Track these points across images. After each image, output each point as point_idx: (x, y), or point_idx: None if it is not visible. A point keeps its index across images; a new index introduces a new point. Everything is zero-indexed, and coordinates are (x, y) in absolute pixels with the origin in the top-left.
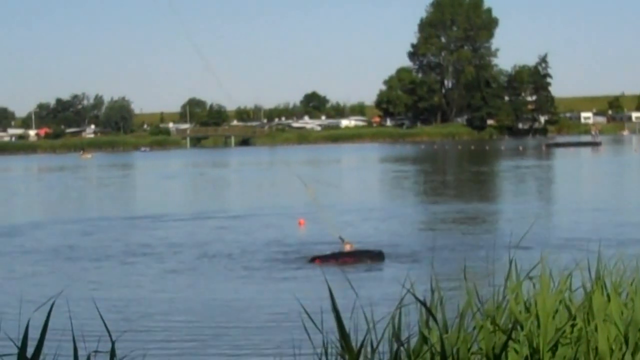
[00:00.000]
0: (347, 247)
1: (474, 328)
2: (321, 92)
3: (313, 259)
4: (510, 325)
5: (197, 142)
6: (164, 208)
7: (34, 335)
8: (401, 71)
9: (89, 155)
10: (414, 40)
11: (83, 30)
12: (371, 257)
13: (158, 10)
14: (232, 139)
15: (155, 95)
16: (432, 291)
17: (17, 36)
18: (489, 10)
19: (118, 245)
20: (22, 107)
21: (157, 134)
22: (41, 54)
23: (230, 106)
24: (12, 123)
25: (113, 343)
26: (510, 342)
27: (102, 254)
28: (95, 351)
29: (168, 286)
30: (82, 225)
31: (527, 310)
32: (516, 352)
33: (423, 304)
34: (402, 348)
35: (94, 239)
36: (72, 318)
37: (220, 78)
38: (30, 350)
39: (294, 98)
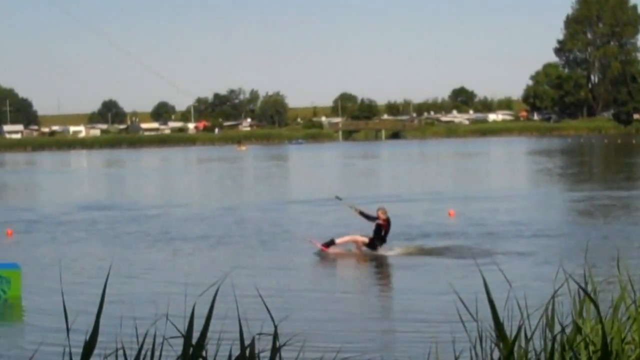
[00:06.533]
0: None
1: (628, 318)
2: (469, 87)
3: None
4: None
5: (348, 135)
6: (315, 195)
7: (198, 318)
8: (548, 66)
9: (243, 148)
10: (560, 36)
11: (240, 28)
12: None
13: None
14: (383, 132)
15: (308, 90)
16: (586, 281)
17: (177, 34)
18: (635, 7)
19: (277, 231)
20: (181, 102)
21: (310, 128)
22: (200, 50)
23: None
24: (172, 117)
25: (276, 327)
26: None
27: (260, 240)
28: (259, 334)
29: (326, 275)
30: (241, 212)
31: None
32: None
33: (584, 290)
34: (556, 337)
35: (250, 226)
36: (234, 302)
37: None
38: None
39: (443, 93)
